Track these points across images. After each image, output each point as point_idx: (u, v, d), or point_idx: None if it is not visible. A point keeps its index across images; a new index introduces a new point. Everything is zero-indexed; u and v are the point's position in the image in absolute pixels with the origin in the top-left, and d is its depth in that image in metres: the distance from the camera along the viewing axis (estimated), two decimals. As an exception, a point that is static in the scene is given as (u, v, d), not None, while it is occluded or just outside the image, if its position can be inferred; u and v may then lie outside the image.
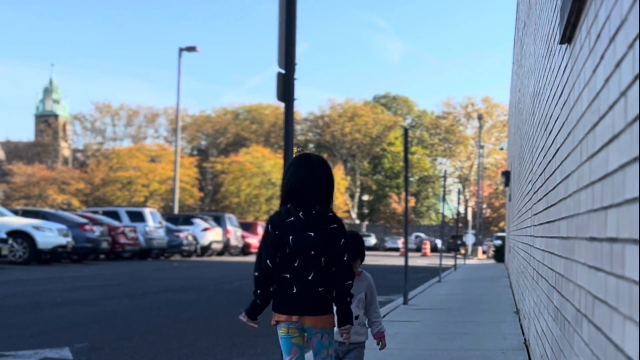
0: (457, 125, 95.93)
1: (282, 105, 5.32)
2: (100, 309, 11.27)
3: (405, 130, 13.22)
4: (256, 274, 3.52)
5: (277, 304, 3.54)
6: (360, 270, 4.22)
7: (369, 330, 4.27)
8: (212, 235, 37.58)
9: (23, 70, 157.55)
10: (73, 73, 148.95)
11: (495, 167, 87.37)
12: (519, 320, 9.73)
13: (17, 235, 23.32)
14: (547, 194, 4.90)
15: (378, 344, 4.24)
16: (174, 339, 8.19)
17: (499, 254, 37.16)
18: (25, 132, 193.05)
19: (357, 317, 4.11)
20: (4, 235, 21.54)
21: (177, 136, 46.88)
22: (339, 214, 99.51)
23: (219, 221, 39.78)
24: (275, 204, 74.40)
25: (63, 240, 24.29)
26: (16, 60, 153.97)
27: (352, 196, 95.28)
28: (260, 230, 46.22)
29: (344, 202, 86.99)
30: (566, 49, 3.68)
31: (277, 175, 69.07)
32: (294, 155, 5.26)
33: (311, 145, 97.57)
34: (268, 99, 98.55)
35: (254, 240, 43.95)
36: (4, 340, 7.70)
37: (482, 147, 72.45)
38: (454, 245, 35.26)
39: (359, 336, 4.17)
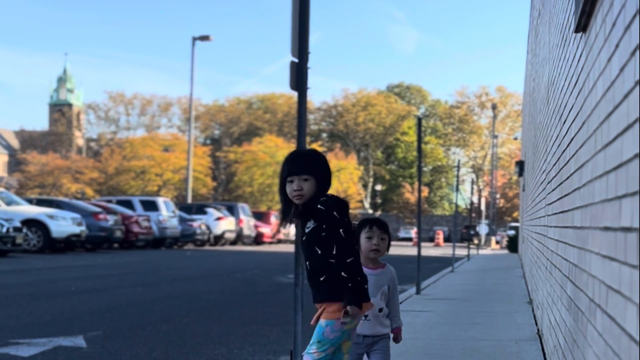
0: (471, 115, 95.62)
1: (295, 94, 5.31)
2: (114, 297, 11.33)
3: (419, 120, 13.19)
4: (351, 258, 3.28)
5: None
6: (384, 263, 4.14)
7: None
8: (225, 225, 37.68)
9: (37, 59, 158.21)
10: (87, 62, 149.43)
11: (509, 157, 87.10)
12: (532, 310, 9.71)
13: (32, 224, 23.46)
14: (561, 183, 4.88)
15: (394, 338, 4.20)
16: (187, 328, 8.22)
17: (513, 244, 37.07)
18: (39, 121, 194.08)
19: (380, 310, 4.05)
20: (18, 224, 21.66)
21: (191, 125, 46.95)
22: (353, 204, 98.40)
23: (232, 210, 39.88)
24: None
25: (77, 229, 24.42)
26: (30, 49, 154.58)
27: (365, 186, 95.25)
28: (273, 219, 46.26)
29: (357, 192, 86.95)
30: (581, 37, 3.65)
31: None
32: (307, 146, 5.26)
33: (324, 135, 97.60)
34: (281, 88, 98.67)
35: (267, 230, 44.02)
36: (18, 328, 7.75)
37: (495, 136, 72.21)
38: (467, 236, 35.22)
39: (384, 328, 4.11)
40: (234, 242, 39.20)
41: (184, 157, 64.46)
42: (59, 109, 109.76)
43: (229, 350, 6.86)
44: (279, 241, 46.48)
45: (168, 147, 79.42)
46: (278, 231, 44.88)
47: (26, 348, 6.55)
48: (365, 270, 3.73)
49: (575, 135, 3.88)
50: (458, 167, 25.01)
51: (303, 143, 5.21)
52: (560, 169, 4.91)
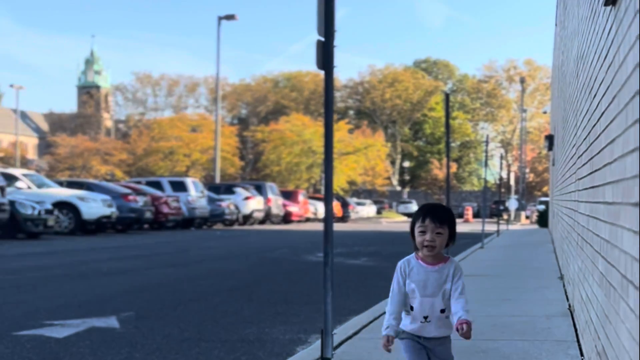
0: (499, 89, 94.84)
1: (322, 72, 5.29)
2: (145, 278, 11.43)
3: (447, 95, 13.11)
4: None
5: None
6: (447, 256, 3.50)
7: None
8: (253, 204, 37.81)
9: (64, 42, 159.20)
10: (113, 44, 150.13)
11: (538, 131, 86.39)
12: (564, 286, 9.66)
13: (63, 206, 23.71)
14: (591, 158, 4.82)
15: (460, 329, 3.33)
16: (218, 308, 8.28)
17: (543, 219, 36.83)
18: (68, 104, 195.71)
19: (443, 311, 3.42)
20: (49, 206, 21.91)
21: (217, 105, 47.06)
22: (380, 181, 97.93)
23: (260, 190, 39.99)
24: (316, 172, 74.53)
25: (107, 211, 24.64)
26: (58, 31, 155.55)
27: (392, 163, 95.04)
28: (301, 198, 46.29)
29: (384, 169, 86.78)
30: (611, 10, 3.59)
31: (318, 143, 69.06)
32: (334, 124, 5.25)
33: (351, 112, 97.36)
34: (308, 66, 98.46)
35: (295, 209, 44.10)
36: (52, 309, 7.86)
37: (524, 110, 71.59)
38: (496, 211, 35.05)
39: (449, 329, 3.49)
40: (262, 222, 39.34)
41: (211, 137, 64.70)
42: (87, 91, 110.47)
43: (259, 329, 6.90)
44: (307, 220, 46.57)
45: (195, 128, 79.70)
46: None
47: (60, 329, 6.63)
48: (423, 266, 3.42)
49: (606, 109, 3.83)
50: (487, 142, 24.84)
51: (330, 121, 5.20)
52: (591, 144, 4.86)
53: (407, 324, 3.43)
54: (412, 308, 3.41)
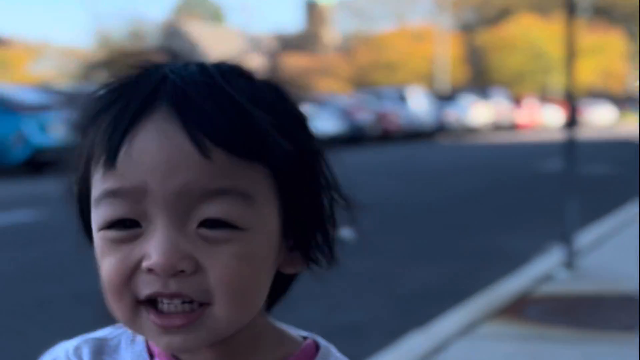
0: None
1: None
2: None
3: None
4: None
5: None
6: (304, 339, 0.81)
7: None
8: (480, 113, 37.14)
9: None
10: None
11: None
12: None
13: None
14: None
15: None
16: (447, 221, 8.30)
17: None
18: (294, 23, 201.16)
19: None
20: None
21: (441, 13, 46.27)
22: (617, 86, 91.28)
23: (486, 97, 39.19)
24: (546, 77, 71.69)
25: (336, 127, 25.28)
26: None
27: (632, 63, 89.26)
28: (530, 104, 44.73)
29: (622, 70, 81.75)
30: None
31: (550, 45, 66.27)
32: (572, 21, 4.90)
33: (584, 10, 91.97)
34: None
35: (524, 116, 42.78)
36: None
37: None
38: None
39: None
40: (490, 130, 38.60)
41: (435, 47, 64.05)
42: (311, 8, 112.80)
43: (497, 238, 6.84)
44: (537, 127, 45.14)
45: (419, 37, 79.11)
46: None
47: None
48: None
49: None
50: None
51: (571, 18, 4.87)
52: None
53: None
54: None
